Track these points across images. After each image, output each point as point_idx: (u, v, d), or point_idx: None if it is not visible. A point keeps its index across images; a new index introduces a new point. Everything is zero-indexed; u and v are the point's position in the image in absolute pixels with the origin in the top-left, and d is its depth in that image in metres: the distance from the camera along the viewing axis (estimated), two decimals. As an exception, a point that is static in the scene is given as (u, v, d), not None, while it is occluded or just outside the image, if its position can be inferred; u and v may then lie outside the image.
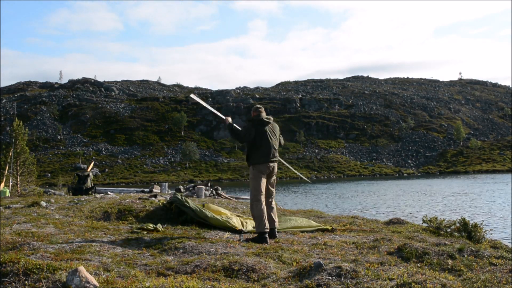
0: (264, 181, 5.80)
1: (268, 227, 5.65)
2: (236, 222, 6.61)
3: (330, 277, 3.63)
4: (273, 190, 6.02)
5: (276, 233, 5.90)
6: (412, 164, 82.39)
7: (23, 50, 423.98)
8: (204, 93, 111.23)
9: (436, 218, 6.19)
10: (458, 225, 5.92)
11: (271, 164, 5.86)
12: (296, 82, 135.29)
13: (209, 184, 18.08)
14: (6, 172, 15.85)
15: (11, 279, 3.29)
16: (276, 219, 5.92)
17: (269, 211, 5.82)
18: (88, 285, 3.14)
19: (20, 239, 5.03)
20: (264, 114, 6.02)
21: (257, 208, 5.66)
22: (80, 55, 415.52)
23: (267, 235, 5.56)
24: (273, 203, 5.99)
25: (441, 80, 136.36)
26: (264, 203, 5.72)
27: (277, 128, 6.10)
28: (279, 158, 6.06)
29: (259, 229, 5.59)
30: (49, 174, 69.63)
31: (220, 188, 17.42)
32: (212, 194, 15.94)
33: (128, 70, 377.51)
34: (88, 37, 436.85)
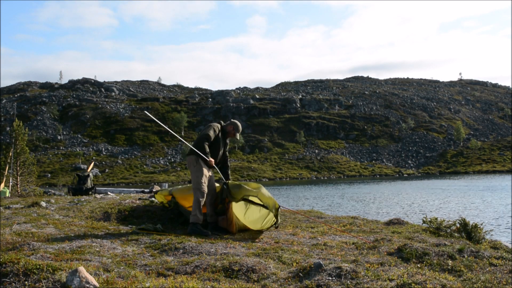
0: None
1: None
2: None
3: (330, 278, 3.63)
4: (192, 185, 6.20)
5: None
6: (412, 165, 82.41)
7: (14, 47, 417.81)
8: (204, 93, 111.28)
9: (436, 219, 6.19)
10: (458, 225, 5.92)
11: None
12: (296, 82, 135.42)
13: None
14: (6, 172, 15.84)
15: (11, 279, 3.29)
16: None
17: None
18: (88, 285, 3.14)
19: (20, 240, 5.02)
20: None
21: None
22: (74, 52, 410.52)
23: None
24: (194, 197, 6.12)
25: (441, 80, 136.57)
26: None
27: (204, 126, 6.44)
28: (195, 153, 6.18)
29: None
30: (49, 175, 69.65)
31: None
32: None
33: (124, 68, 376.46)
34: (81, 34, 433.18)
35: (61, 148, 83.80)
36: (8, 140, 57.78)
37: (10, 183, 16.15)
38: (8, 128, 74.30)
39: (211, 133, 6.24)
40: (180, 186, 7.40)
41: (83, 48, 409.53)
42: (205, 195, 6.14)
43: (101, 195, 11.49)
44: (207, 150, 6.16)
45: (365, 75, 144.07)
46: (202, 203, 6.09)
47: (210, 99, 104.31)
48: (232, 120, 6.69)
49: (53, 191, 18.13)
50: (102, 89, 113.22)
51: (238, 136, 6.64)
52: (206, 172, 6.19)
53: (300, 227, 6.79)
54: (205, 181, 6.16)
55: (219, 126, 6.47)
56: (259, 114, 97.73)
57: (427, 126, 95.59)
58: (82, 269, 3.25)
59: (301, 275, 3.77)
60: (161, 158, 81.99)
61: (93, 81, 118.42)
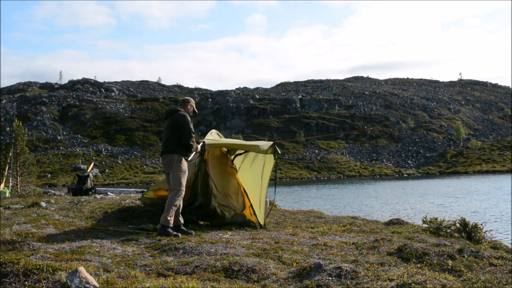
0: (165, 174, 6.15)
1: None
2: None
3: (330, 278, 3.63)
4: (171, 185, 5.99)
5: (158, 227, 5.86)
6: (412, 165, 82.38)
7: (12, 46, 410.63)
8: (204, 94, 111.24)
9: (436, 219, 6.19)
10: (458, 225, 5.92)
11: (162, 158, 6.17)
12: (296, 82, 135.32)
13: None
14: (6, 173, 15.85)
15: (11, 280, 3.29)
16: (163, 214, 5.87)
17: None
18: (88, 285, 3.14)
19: (20, 240, 5.03)
20: (175, 107, 6.33)
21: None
22: (72, 51, 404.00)
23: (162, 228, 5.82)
24: (168, 199, 5.92)
25: (441, 80, 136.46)
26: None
27: (176, 120, 6.11)
28: (180, 152, 6.02)
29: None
30: (49, 175, 69.62)
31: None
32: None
33: (123, 68, 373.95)
34: (78, 32, 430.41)
35: (61, 148, 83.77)
36: (8, 140, 57.78)
37: (10, 183, 16.16)
38: (8, 128, 74.25)
39: (192, 127, 6.26)
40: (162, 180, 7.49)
41: (81, 47, 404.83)
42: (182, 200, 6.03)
43: (101, 195, 11.49)
44: (195, 144, 6.21)
45: (365, 75, 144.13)
46: (178, 207, 5.96)
47: (210, 99, 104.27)
48: (183, 99, 6.45)
49: (53, 191, 18.11)
50: (102, 89, 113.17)
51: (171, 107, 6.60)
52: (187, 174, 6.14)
53: (300, 227, 6.79)
54: (185, 183, 6.06)
55: (187, 114, 6.31)
56: (259, 114, 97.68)
57: (427, 126, 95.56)
58: (82, 269, 3.25)
59: (301, 275, 3.77)
60: (161, 158, 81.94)
61: (93, 81, 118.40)
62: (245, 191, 6.80)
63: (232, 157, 7.00)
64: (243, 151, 6.98)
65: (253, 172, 6.95)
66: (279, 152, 6.74)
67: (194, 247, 4.86)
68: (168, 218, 5.76)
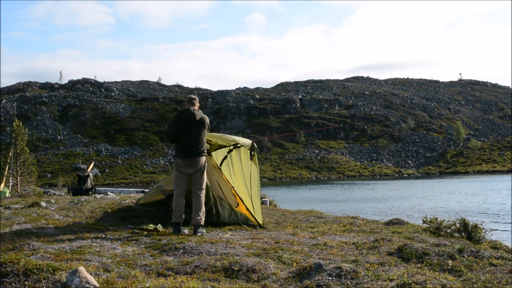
0: (179, 175, 6.12)
1: (174, 220, 6.02)
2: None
3: (330, 278, 3.63)
4: (198, 185, 6.16)
5: (181, 228, 6.04)
6: (412, 165, 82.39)
7: (10, 46, 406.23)
8: (204, 93, 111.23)
9: (436, 219, 6.19)
10: (458, 225, 5.92)
11: (191, 161, 6.08)
12: (296, 82, 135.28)
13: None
14: (6, 173, 15.84)
15: (11, 280, 3.29)
16: (194, 215, 6.04)
17: (194, 204, 6.11)
18: (88, 285, 3.14)
19: (20, 240, 5.03)
20: (191, 108, 6.21)
21: (173, 201, 6.17)
22: (71, 51, 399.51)
23: (176, 226, 6.01)
24: (198, 198, 6.11)
25: (441, 80, 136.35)
26: (178, 197, 6.09)
27: (206, 123, 6.19)
28: (205, 154, 6.22)
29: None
30: (49, 175, 69.64)
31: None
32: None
33: (122, 67, 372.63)
34: (76, 31, 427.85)
35: (61, 148, 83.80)
36: (8, 140, 57.71)
37: (10, 183, 16.16)
38: (8, 128, 74.23)
39: (166, 131, 6.46)
40: (165, 179, 7.61)
41: (80, 46, 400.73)
42: None
43: (101, 195, 11.48)
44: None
45: (365, 75, 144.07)
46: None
47: (210, 99, 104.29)
48: (194, 99, 6.36)
49: (53, 191, 18.11)
50: (102, 89, 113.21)
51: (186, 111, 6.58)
52: None
53: (300, 227, 6.79)
54: None
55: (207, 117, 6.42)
56: (259, 114, 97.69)
57: (427, 126, 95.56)
58: (82, 269, 3.25)
59: (301, 275, 3.77)
60: (161, 158, 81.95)
61: (93, 81, 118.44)
62: (236, 193, 6.93)
63: (219, 162, 7.05)
64: (225, 154, 7.06)
65: (241, 174, 7.01)
66: (257, 149, 6.95)
67: (194, 247, 4.87)
68: (202, 218, 6.02)
